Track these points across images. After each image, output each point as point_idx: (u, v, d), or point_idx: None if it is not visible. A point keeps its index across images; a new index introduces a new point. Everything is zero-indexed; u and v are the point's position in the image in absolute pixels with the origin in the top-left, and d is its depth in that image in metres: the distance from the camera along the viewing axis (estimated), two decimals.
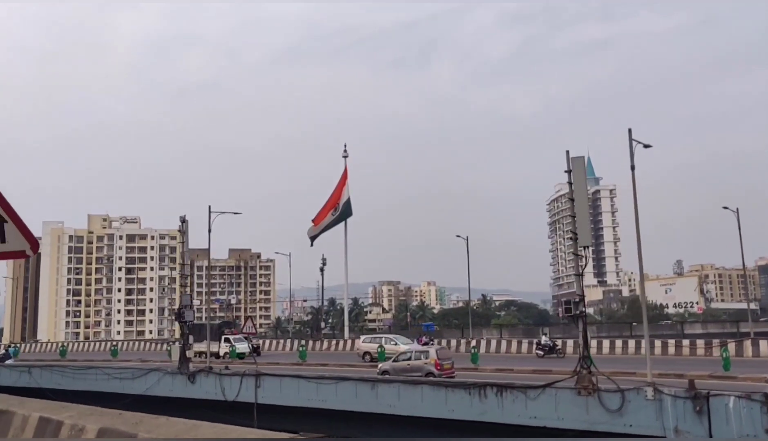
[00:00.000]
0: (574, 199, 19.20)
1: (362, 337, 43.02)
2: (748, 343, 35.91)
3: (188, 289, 31.86)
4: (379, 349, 37.30)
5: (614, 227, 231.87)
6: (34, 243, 5.43)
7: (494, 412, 20.58)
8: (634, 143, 19.00)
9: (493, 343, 45.05)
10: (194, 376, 29.62)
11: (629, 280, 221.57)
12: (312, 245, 61.68)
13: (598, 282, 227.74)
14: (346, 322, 65.84)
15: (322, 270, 62.63)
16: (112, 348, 51.77)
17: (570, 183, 19.45)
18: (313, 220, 62.55)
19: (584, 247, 18.82)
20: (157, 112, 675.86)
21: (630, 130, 19.05)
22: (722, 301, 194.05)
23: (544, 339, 40.86)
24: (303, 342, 51.90)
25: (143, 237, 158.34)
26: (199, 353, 42.99)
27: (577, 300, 19.10)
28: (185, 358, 30.25)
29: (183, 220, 30.93)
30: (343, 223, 61.81)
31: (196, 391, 29.42)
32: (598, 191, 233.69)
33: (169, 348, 49.24)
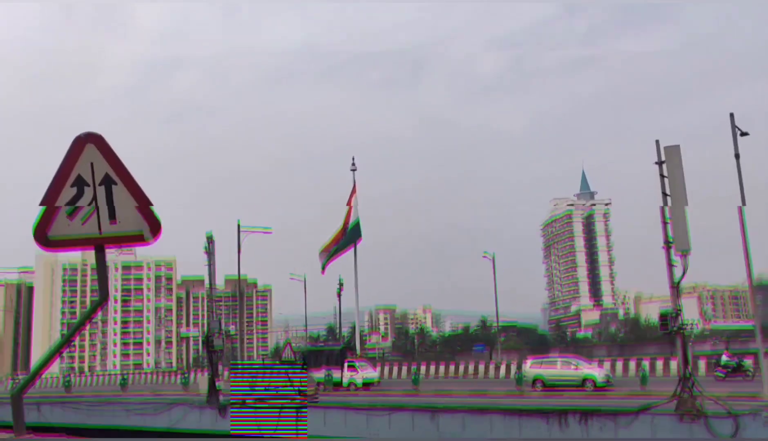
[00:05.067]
0: (670, 195, 17.26)
1: (529, 361, 36.69)
2: None
3: (216, 315, 29.66)
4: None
5: (609, 250, 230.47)
6: (155, 224, 3.75)
7: None
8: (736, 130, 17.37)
9: None
10: (225, 409, 27.45)
11: (623, 302, 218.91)
12: (323, 272, 59.34)
13: (594, 304, 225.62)
14: (358, 349, 63.31)
15: (339, 294, 60.12)
16: (122, 380, 49.13)
17: (663, 175, 17.54)
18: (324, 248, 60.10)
19: (684, 253, 16.92)
20: (148, 135, 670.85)
21: (732, 115, 17.45)
22: (717, 320, 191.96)
23: (725, 358, 32.86)
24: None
25: (139, 266, 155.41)
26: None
27: (675, 314, 17.25)
28: (215, 389, 28.06)
29: (210, 240, 28.79)
30: (352, 248, 59.53)
31: (227, 425, 27.13)
32: (593, 205, 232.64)
33: (184, 379, 46.68)
